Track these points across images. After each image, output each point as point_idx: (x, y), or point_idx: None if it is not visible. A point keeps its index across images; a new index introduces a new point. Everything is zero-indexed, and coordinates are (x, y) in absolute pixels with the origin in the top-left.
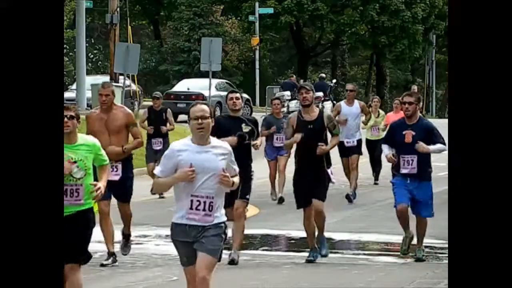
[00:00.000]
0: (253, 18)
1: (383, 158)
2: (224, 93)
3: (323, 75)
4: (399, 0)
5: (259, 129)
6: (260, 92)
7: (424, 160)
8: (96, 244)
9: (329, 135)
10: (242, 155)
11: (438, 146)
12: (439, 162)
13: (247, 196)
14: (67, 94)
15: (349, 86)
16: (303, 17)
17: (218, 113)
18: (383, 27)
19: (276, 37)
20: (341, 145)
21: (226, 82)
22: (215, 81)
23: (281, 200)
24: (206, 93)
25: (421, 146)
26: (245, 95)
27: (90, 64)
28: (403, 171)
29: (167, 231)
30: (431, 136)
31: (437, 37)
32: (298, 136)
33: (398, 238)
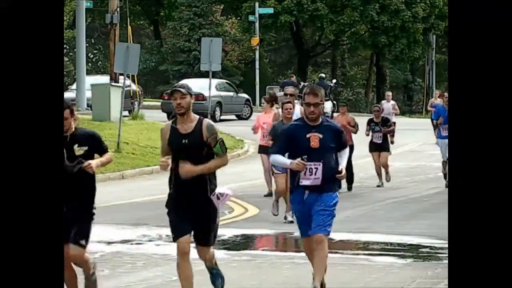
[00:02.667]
0: (253, 18)
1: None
2: (224, 93)
3: (323, 75)
4: (399, 0)
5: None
6: (260, 92)
7: (330, 168)
8: (96, 244)
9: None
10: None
11: (345, 154)
12: (439, 162)
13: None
14: (67, 94)
15: (289, 90)
16: (303, 17)
17: (218, 113)
18: (383, 27)
19: (276, 37)
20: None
21: (226, 82)
22: (215, 81)
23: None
24: (206, 93)
25: (343, 173)
26: (245, 95)
27: (90, 64)
28: (304, 182)
29: (167, 231)
30: (339, 140)
31: (437, 37)
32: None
33: (398, 238)
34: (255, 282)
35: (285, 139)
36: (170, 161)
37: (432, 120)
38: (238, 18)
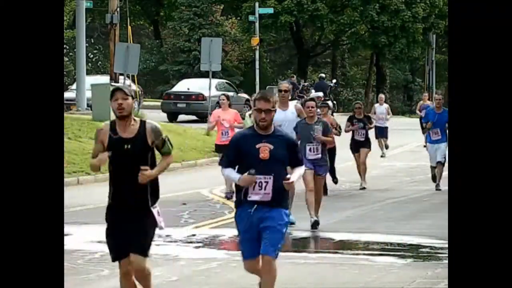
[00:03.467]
0: (253, 18)
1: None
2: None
3: (323, 75)
4: (399, 0)
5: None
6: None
7: (281, 183)
8: (96, 244)
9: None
10: None
11: (299, 170)
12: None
13: None
14: (67, 94)
15: (283, 86)
16: (303, 17)
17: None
18: (383, 27)
19: (276, 37)
20: None
21: (226, 82)
22: (215, 81)
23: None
24: (206, 93)
25: (290, 183)
26: (245, 95)
27: (90, 64)
28: (253, 197)
29: (167, 231)
30: (293, 154)
31: (437, 37)
32: (102, 157)
33: (398, 238)
34: (255, 282)
35: (233, 150)
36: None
37: (421, 122)
38: (238, 18)
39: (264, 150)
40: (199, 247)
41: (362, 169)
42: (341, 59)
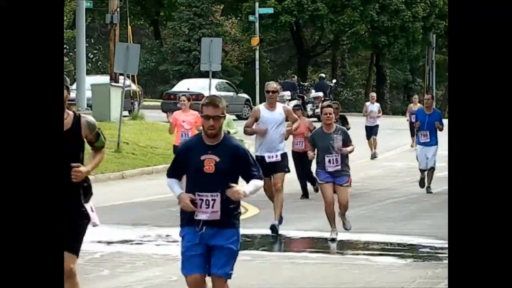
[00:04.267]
0: (253, 18)
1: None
2: (224, 93)
3: (323, 75)
4: (399, 0)
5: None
6: (260, 92)
7: (231, 200)
8: (96, 244)
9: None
10: None
11: (255, 183)
12: (439, 162)
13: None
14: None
15: (271, 86)
16: (303, 17)
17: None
18: (383, 27)
19: (276, 37)
20: (261, 162)
21: (226, 82)
22: (215, 81)
23: None
24: (206, 93)
25: (236, 192)
26: (245, 95)
27: (90, 64)
28: (200, 216)
29: (167, 231)
30: (245, 166)
31: (437, 37)
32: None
33: (398, 238)
34: (255, 282)
35: (177, 159)
36: None
37: (411, 126)
38: (238, 18)
39: (209, 163)
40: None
41: None
42: (341, 59)
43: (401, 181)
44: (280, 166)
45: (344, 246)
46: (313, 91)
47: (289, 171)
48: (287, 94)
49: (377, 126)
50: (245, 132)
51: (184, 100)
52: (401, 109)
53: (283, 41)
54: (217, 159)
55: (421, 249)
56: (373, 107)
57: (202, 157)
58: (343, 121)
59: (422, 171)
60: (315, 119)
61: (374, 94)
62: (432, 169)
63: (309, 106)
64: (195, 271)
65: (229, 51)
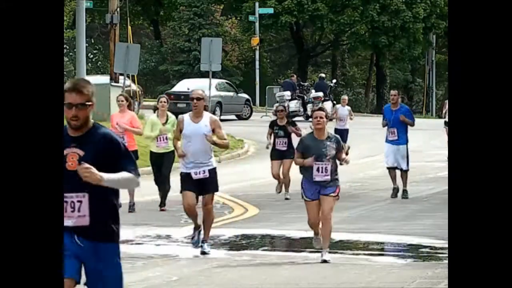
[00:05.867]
0: (253, 18)
1: None
2: (224, 93)
3: (323, 75)
4: (399, 0)
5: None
6: (260, 92)
7: (103, 201)
8: None
9: None
10: None
11: (125, 175)
12: (439, 162)
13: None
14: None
15: (195, 93)
16: (303, 17)
17: (218, 113)
18: (383, 27)
19: (276, 37)
20: (188, 179)
21: (226, 82)
22: (215, 81)
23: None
24: (206, 93)
25: (88, 170)
26: (245, 95)
27: (90, 64)
28: (66, 222)
29: (167, 231)
30: (116, 155)
31: (437, 37)
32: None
33: (398, 238)
34: (255, 282)
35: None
36: None
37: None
38: (238, 18)
39: (72, 157)
40: (199, 247)
41: (286, 180)
42: (341, 59)
43: (401, 181)
44: (209, 185)
45: (344, 246)
46: (313, 91)
47: (217, 190)
48: (287, 94)
49: (347, 130)
50: (174, 145)
51: (122, 101)
52: None
53: (283, 41)
54: (81, 153)
55: (421, 249)
56: (344, 110)
57: (65, 152)
58: (291, 125)
59: (390, 169)
60: None
61: (345, 97)
62: (404, 172)
63: (309, 106)
64: (71, 276)
65: (229, 51)
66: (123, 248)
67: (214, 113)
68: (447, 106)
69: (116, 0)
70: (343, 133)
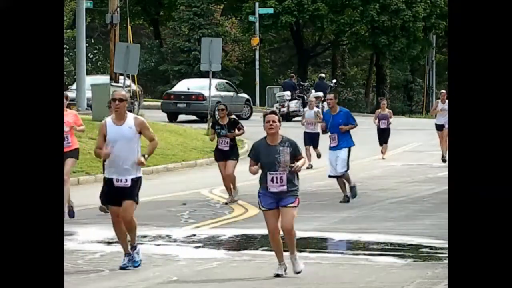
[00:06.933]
0: (253, 18)
1: None
2: (224, 93)
3: (323, 75)
4: (399, 0)
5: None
6: (260, 92)
7: None
8: (96, 244)
9: None
10: None
11: None
12: (439, 162)
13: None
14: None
15: (117, 94)
16: (303, 17)
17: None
18: (383, 27)
19: (276, 37)
20: (110, 185)
21: (226, 82)
22: (215, 81)
23: None
24: (206, 93)
25: None
26: (245, 95)
27: (90, 64)
28: None
29: (167, 231)
30: None
31: (437, 37)
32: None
33: (398, 238)
34: (255, 282)
35: None
36: None
37: (378, 131)
38: (238, 18)
39: None
40: (199, 247)
41: (228, 182)
42: (341, 59)
43: (401, 181)
44: (128, 195)
45: (344, 246)
46: (313, 91)
47: (135, 201)
48: (287, 94)
49: (317, 134)
50: (95, 154)
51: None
52: (401, 109)
53: (283, 41)
54: None
55: (421, 249)
56: (311, 113)
57: None
58: (234, 124)
59: (334, 177)
60: None
61: (313, 99)
62: (343, 176)
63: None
64: None
65: (229, 51)
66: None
67: (214, 113)
68: (439, 106)
69: (116, 0)
70: (313, 137)
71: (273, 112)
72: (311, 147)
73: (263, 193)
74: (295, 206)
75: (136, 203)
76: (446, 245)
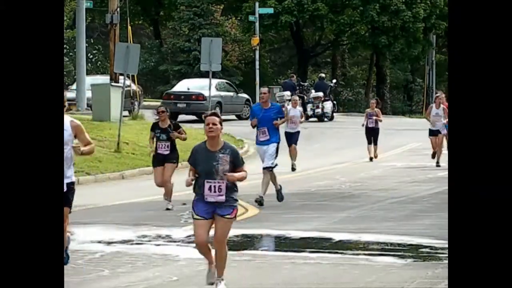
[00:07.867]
0: (253, 18)
1: None
2: (224, 93)
3: (323, 75)
4: (399, 0)
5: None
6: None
7: None
8: (96, 244)
9: None
10: None
11: None
12: (439, 162)
13: None
14: (67, 94)
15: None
16: (303, 17)
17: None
18: (383, 27)
19: (276, 37)
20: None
21: (226, 82)
22: (215, 81)
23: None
24: (206, 93)
25: None
26: (245, 95)
27: (90, 64)
28: None
29: (167, 231)
30: None
31: (437, 37)
32: None
33: (398, 238)
34: (255, 282)
35: None
36: None
37: (366, 130)
38: (238, 18)
39: None
40: None
41: (168, 187)
42: (341, 59)
43: (401, 181)
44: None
45: (344, 246)
46: (313, 91)
47: (69, 207)
48: (287, 94)
49: (298, 132)
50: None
51: None
52: (401, 109)
53: (283, 41)
54: None
55: (421, 249)
56: (295, 111)
57: None
58: (176, 127)
59: (266, 169)
60: (315, 119)
61: (296, 98)
62: (268, 171)
63: (309, 106)
64: None
65: (229, 51)
66: (123, 248)
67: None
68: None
69: (116, 0)
70: (293, 136)
71: (214, 114)
72: (292, 146)
73: (199, 200)
74: (231, 218)
75: (69, 207)
76: (446, 245)
